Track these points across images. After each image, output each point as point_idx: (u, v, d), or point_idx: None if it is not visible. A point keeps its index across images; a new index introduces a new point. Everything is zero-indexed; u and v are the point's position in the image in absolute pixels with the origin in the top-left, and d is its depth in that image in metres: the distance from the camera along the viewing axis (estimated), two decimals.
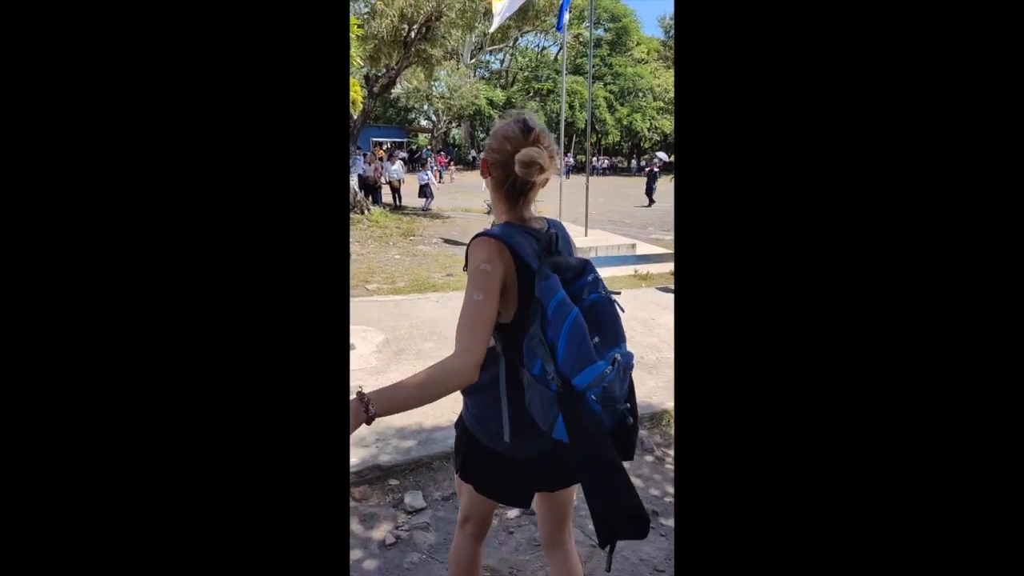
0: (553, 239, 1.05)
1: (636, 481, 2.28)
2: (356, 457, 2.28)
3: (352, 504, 2.07)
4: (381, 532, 1.92)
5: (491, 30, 7.72)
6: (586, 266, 1.02)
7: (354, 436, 2.52)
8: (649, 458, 2.46)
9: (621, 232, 9.30)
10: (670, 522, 2.02)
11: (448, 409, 2.68)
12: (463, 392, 1.11)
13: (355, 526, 1.95)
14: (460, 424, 1.18)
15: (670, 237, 9.18)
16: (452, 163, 20.99)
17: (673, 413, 2.77)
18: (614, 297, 1.00)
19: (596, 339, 0.94)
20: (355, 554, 1.81)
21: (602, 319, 0.96)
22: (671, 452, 2.51)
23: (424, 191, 11.81)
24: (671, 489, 2.24)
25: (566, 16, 6.82)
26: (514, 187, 1.05)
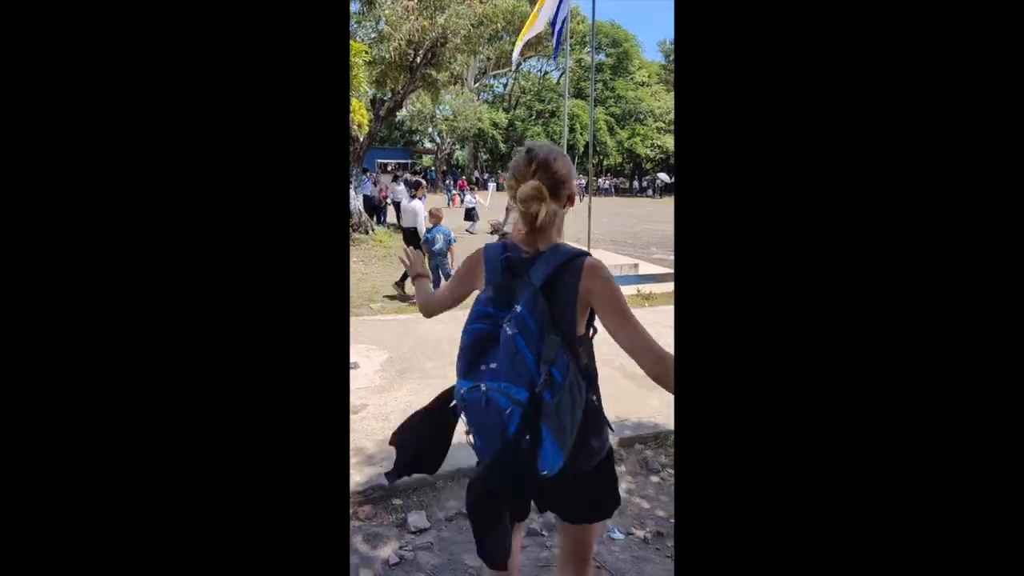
0: (515, 264, 1.12)
1: (641, 502, 2.27)
2: (362, 476, 2.28)
3: (357, 524, 2.07)
4: (385, 552, 1.91)
5: (515, 53, 7.98)
6: (520, 300, 1.05)
7: (361, 454, 2.51)
8: (655, 479, 2.45)
9: (624, 252, 9.33)
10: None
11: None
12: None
13: (360, 545, 1.94)
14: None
15: (673, 257, 9.19)
16: (474, 187, 20.92)
17: None
18: (515, 335, 1.02)
19: (493, 365, 1.04)
20: (360, 573, 1.80)
21: (503, 352, 1.03)
22: None
23: (471, 214, 12.02)
24: None
25: (562, 45, 7.02)
26: (523, 217, 1.10)
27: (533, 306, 1.03)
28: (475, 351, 1.07)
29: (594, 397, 1.13)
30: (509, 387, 1.00)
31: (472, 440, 1.12)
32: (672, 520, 2.16)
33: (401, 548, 1.93)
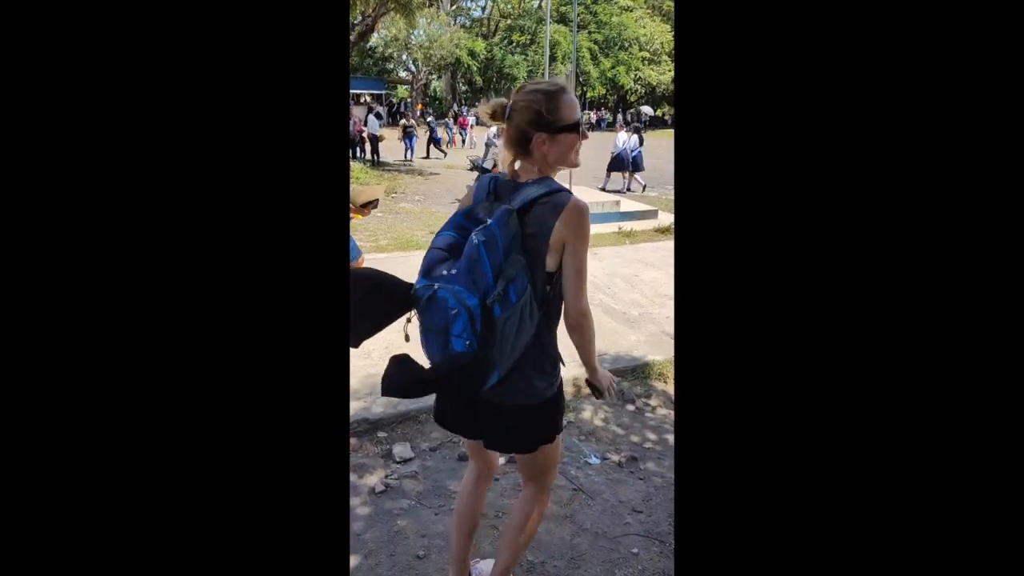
0: (501, 188, 1.14)
1: (616, 429, 2.38)
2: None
3: None
4: (372, 480, 1.99)
5: None
6: (494, 215, 1.07)
7: None
8: (630, 407, 2.56)
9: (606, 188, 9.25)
10: (647, 466, 2.13)
11: None
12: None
13: None
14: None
15: (654, 194, 9.16)
16: (472, 124, 17.60)
17: (654, 366, 2.86)
18: (479, 243, 1.03)
19: (453, 271, 1.05)
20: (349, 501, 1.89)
21: (464, 258, 1.06)
22: (651, 402, 2.62)
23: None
24: (651, 436, 2.35)
25: None
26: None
27: (504, 222, 1.03)
28: (438, 255, 1.09)
29: (547, 335, 1.14)
30: (461, 291, 1.02)
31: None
32: (646, 445, 2.28)
33: (387, 477, 2.01)
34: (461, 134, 16.76)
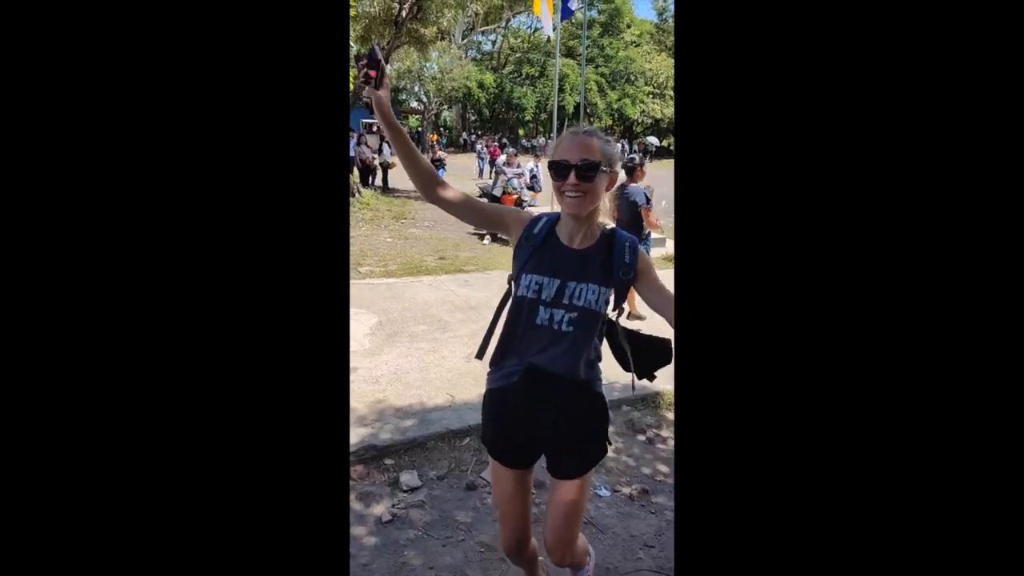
0: None
1: (628, 461, 2.33)
2: (354, 437, 2.31)
3: (350, 483, 2.10)
4: (379, 510, 1.95)
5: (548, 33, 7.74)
6: None
7: (353, 415, 2.53)
8: (641, 438, 2.51)
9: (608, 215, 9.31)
10: (659, 500, 2.08)
11: (442, 390, 2.70)
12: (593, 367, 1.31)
13: (353, 504, 1.98)
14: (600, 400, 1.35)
15: (661, 222, 9.19)
16: (509, 151, 17.64)
17: (665, 396, 2.82)
18: None
19: None
20: (354, 531, 1.84)
21: None
22: (662, 432, 2.56)
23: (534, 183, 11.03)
24: (663, 468, 2.29)
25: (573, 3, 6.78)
26: None
27: None
28: None
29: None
30: None
31: None
32: (657, 478, 2.22)
33: (394, 506, 1.97)
34: (492, 165, 16.73)
